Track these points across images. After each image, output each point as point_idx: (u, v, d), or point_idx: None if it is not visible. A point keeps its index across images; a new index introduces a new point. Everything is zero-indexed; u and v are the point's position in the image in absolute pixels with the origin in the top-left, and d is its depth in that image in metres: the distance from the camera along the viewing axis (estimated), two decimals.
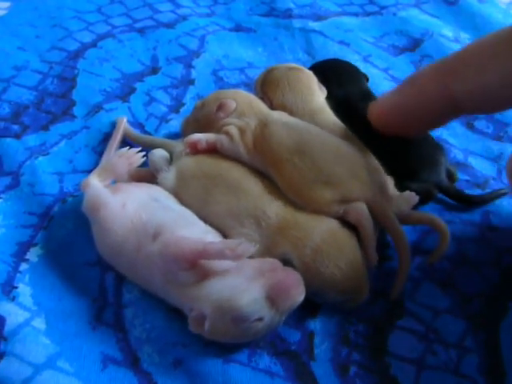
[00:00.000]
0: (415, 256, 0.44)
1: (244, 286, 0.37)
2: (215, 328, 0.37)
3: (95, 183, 0.45)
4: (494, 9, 0.76)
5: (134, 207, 0.42)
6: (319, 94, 0.53)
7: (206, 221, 0.43)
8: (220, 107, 0.49)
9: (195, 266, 0.38)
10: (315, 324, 0.41)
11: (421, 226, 0.46)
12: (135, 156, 0.48)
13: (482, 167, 0.53)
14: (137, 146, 0.50)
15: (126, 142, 0.53)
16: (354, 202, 0.42)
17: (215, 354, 0.39)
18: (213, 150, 0.46)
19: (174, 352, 0.40)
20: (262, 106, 0.49)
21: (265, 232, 0.41)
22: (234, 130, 0.45)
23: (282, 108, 0.51)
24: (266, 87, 0.53)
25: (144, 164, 0.48)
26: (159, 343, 0.40)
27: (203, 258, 0.38)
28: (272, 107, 0.51)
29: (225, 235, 0.42)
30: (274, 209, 0.42)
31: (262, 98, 0.52)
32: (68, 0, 0.74)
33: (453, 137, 0.57)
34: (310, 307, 0.41)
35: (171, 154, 0.48)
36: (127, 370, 0.39)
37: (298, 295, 0.37)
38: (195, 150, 0.46)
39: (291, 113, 0.50)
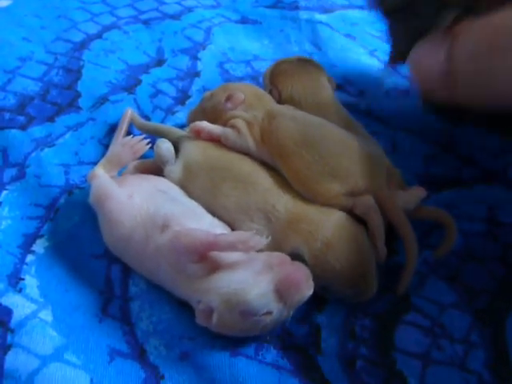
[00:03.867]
0: (422, 250, 0.44)
1: (253, 280, 0.37)
2: (223, 321, 0.37)
3: (101, 174, 0.45)
4: None
5: (140, 199, 0.42)
6: (328, 87, 0.53)
7: (213, 214, 0.43)
8: (229, 98, 0.49)
9: (205, 258, 0.38)
10: (322, 318, 0.41)
11: (428, 220, 0.46)
12: (139, 144, 0.48)
13: None
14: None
15: (132, 132, 0.53)
16: (362, 196, 0.42)
17: (222, 347, 0.39)
18: (216, 141, 0.46)
19: (181, 345, 0.40)
20: (269, 100, 0.49)
21: (275, 226, 0.41)
22: (241, 124, 0.45)
23: (291, 99, 0.51)
24: (275, 78, 0.53)
25: (149, 154, 0.48)
26: (166, 336, 0.40)
27: (214, 249, 0.38)
28: (281, 99, 0.51)
29: (233, 229, 0.42)
30: (284, 203, 0.42)
31: (270, 91, 0.52)
32: None
33: None
34: (316, 301, 0.41)
35: (177, 141, 0.48)
36: (134, 363, 0.39)
37: (307, 289, 0.37)
38: (199, 136, 0.47)
39: (299, 104, 0.50)
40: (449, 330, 0.41)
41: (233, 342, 0.39)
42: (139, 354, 0.39)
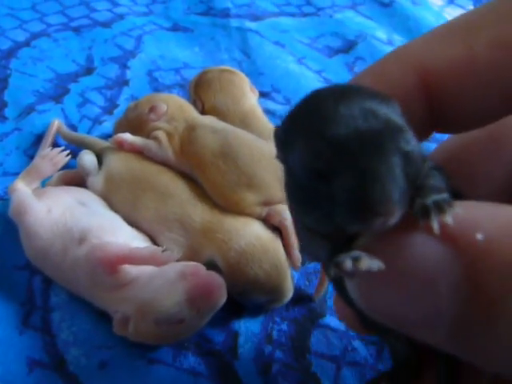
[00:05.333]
0: None
1: (166, 289, 0.38)
2: (138, 330, 0.38)
3: (21, 188, 0.45)
4: (427, 11, 0.78)
5: (59, 212, 0.42)
6: (251, 97, 0.54)
7: (134, 225, 0.44)
8: (151, 110, 0.49)
9: (119, 270, 0.38)
10: (240, 324, 0.43)
11: None
12: (59, 156, 0.48)
13: None
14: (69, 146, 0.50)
15: (58, 143, 0.53)
16: (277, 205, 0.43)
17: (140, 355, 0.40)
18: (138, 153, 0.47)
19: (100, 354, 0.40)
20: (192, 111, 0.50)
21: (191, 236, 0.42)
22: (162, 135, 0.46)
23: (214, 110, 0.52)
24: (199, 89, 0.54)
25: (75, 164, 0.49)
26: (86, 346, 0.41)
27: (128, 262, 0.39)
28: (204, 109, 0.52)
29: (153, 240, 0.43)
30: (200, 213, 0.43)
31: (194, 101, 0.53)
32: None
33: None
34: (234, 308, 0.42)
35: (101, 152, 0.48)
36: (53, 373, 0.39)
37: (219, 298, 0.38)
38: (121, 148, 0.47)
39: (223, 115, 0.51)
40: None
41: (151, 350, 0.40)
42: (59, 364, 0.40)
